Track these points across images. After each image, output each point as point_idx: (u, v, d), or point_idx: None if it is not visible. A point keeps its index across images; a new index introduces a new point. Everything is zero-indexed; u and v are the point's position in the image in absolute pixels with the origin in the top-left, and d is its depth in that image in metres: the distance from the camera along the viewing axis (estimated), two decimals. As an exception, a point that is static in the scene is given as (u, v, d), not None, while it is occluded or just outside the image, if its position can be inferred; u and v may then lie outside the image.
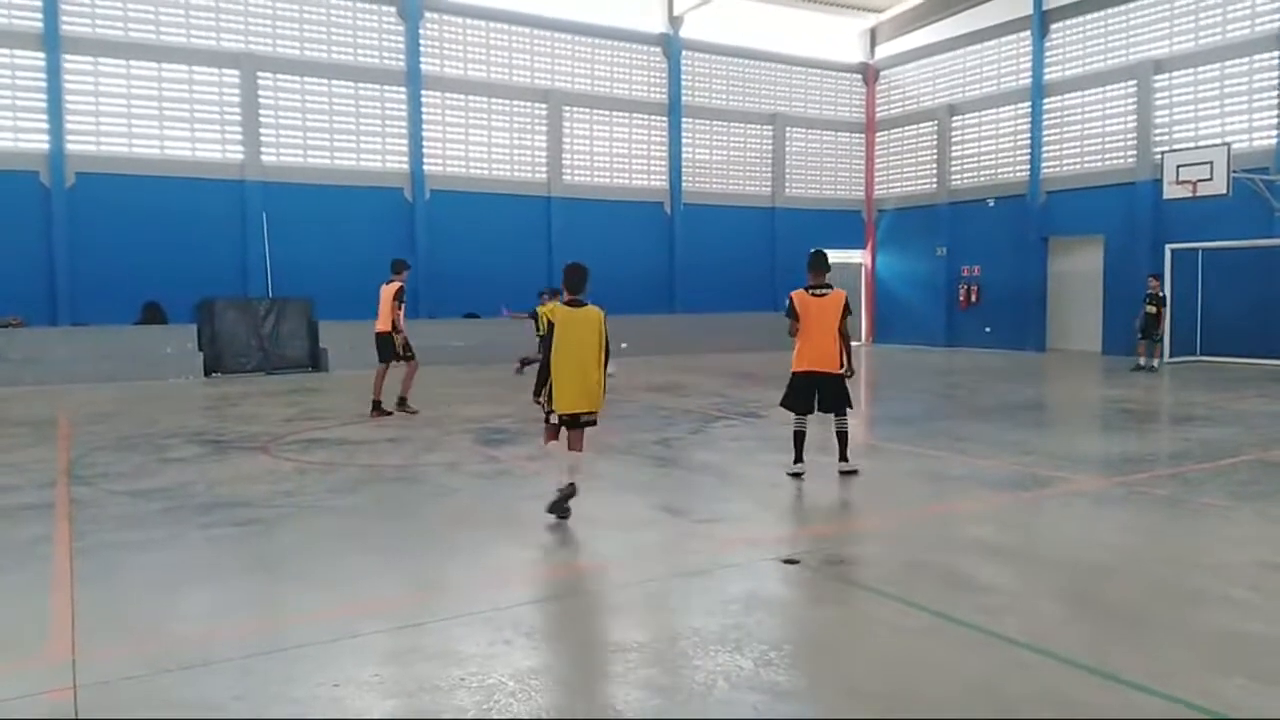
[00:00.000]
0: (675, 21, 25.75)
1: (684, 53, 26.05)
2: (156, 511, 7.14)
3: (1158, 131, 21.90)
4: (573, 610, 4.99)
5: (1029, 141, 24.58)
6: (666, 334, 23.42)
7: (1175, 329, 19.47)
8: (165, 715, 3.69)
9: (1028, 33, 24.56)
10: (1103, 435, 11.45)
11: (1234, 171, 18.18)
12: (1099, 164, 23.25)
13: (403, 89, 22.29)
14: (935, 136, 27.44)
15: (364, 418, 12.50)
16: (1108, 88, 22.96)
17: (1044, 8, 24.14)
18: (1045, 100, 24.29)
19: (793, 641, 4.40)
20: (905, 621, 4.68)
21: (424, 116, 22.51)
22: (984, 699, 3.79)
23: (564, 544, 6.38)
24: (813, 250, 8.50)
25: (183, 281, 19.55)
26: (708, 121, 26.81)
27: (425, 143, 22.56)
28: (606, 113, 25.21)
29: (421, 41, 22.45)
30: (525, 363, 16.84)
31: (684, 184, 26.17)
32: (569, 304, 6.75)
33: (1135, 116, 22.30)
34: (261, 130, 20.86)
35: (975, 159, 26.47)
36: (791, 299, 8.30)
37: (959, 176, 26.90)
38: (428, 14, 22.54)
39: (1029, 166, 24.58)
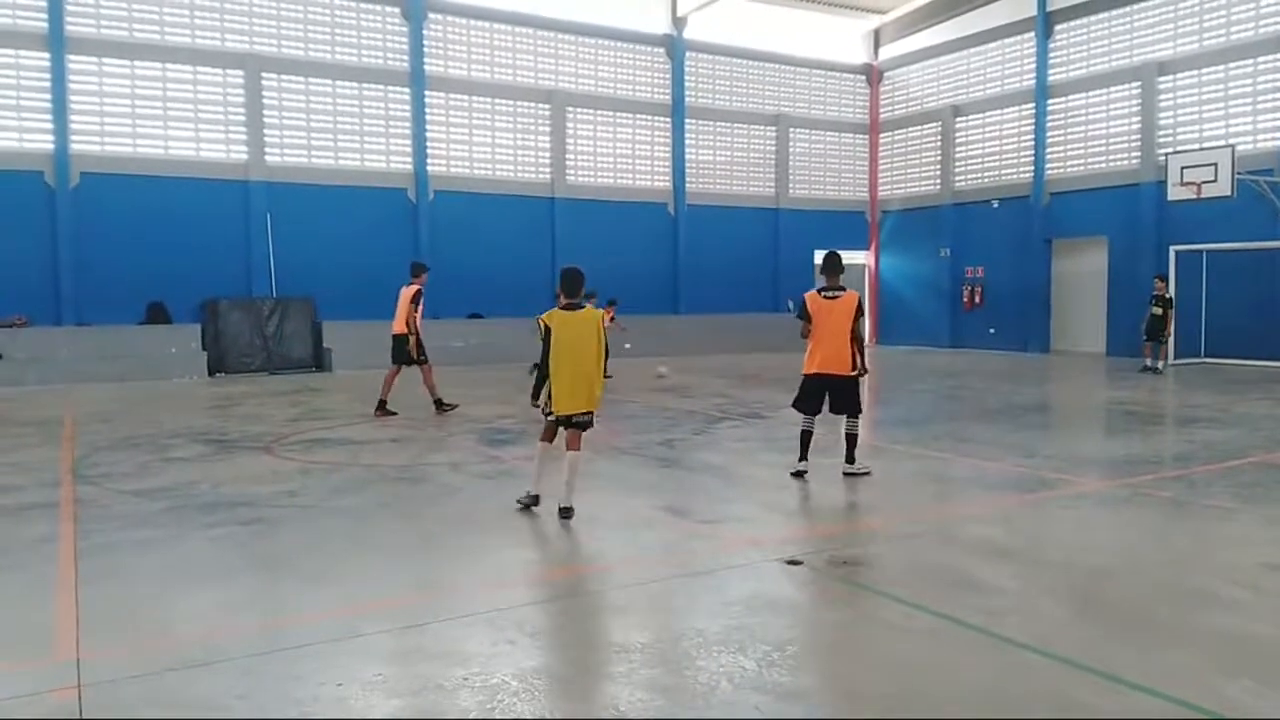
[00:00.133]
0: (679, 22, 25.75)
1: (688, 53, 26.05)
2: (160, 511, 7.15)
3: (1162, 133, 21.87)
4: (576, 610, 4.99)
5: (1033, 143, 24.56)
6: (670, 335, 23.41)
7: (1179, 331, 19.44)
8: (169, 714, 3.70)
9: (1032, 34, 24.54)
10: (1107, 437, 11.44)
11: (1238, 173, 18.16)
12: (1103, 165, 23.22)
13: (406, 89, 22.30)
14: (939, 138, 27.42)
15: (367, 418, 12.51)
16: (1112, 89, 22.93)
17: (1048, 9, 24.13)
18: (1049, 101, 24.26)
19: (796, 642, 4.40)
20: (909, 623, 4.68)
21: (428, 117, 22.52)
22: (988, 701, 3.79)
23: (567, 544, 6.38)
24: (826, 252, 8.50)
25: (187, 281, 19.60)
26: (711, 122, 26.80)
27: (429, 143, 22.57)
28: (610, 113, 25.21)
29: (425, 42, 22.47)
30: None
31: (687, 185, 26.16)
32: (565, 307, 6.83)
33: (1139, 118, 22.27)
34: (266, 131, 20.88)
35: (979, 160, 26.45)
36: (804, 301, 8.33)
37: (963, 178, 26.88)
38: (431, 15, 22.56)
39: (1033, 168, 24.56)
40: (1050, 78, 24.23)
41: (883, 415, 13.25)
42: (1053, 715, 3.65)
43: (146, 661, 4.19)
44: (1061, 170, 24.15)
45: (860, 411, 8.37)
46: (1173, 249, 20.11)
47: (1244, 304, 19.79)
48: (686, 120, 26.11)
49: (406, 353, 12.61)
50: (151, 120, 19.88)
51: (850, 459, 8.31)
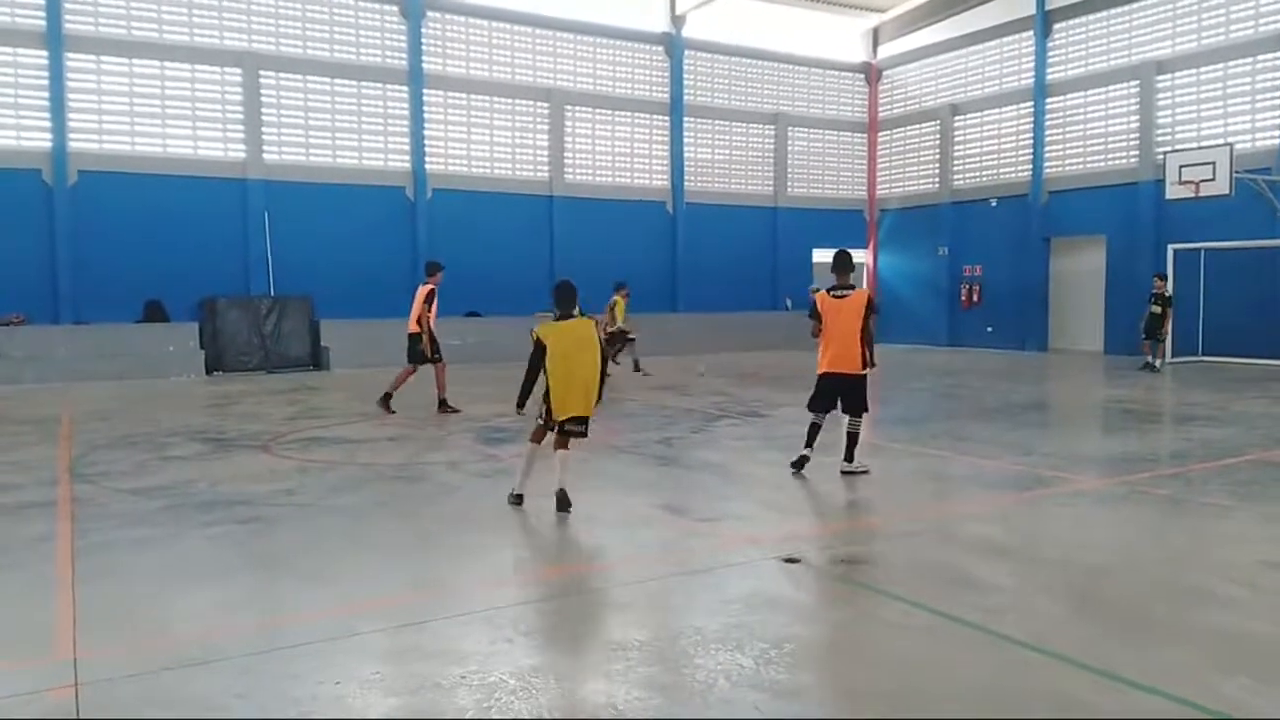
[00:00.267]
0: (677, 21, 25.73)
1: (686, 52, 26.03)
2: (158, 509, 7.15)
3: (1160, 132, 21.88)
4: (573, 609, 4.99)
5: (1031, 141, 24.56)
6: (668, 333, 23.39)
7: (1177, 329, 19.45)
8: (167, 713, 3.69)
9: (1030, 33, 24.54)
10: (1104, 435, 11.45)
11: (1236, 172, 18.16)
12: (1101, 164, 23.23)
13: (405, 88, 22.28)
14: (937, 136, 27.42)
15: (366, 416, 12.51)
16: (1110, 88, 22.93)
17: (1046, 8, 24.12)
18: (1048, 100, 24.26)
19: (794, 640, 4.40)
20: (907, 621, 4.68)
21: (426, 115, 22.50)
22: (986, 698, 3.79)
23: (564, 543, 6.38)
24: (837, 250, 8.52)
25: (184, 280, 19.57)
26: (710, 121, 26.79)
27: (427, 141, 22.55)
28: (609, 112, 25.19)
29: (424, 40, 22.45)
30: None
31: (686, 183, 26.14)
32: (560, 319, 6.95)
33: (1138, 117, 22.27)
34: (264, 129, 20.86)
35: (977, 159, 26.45)
36: (814, 300, 8.36)
37: (961, 176, 26.88)
38: (430, 13, 22.54)
39: (1031, 166, 24.56)
40: (1049, 76, 24.23)
41: (881, 414, 13.25)
42: (1050, 713, 3.65)
43: (144, 660, 4.19)
44: (1060, 169, 24.15)
45: (866, 410, 8.38)
46: (1171, 248, 20.11)
47: (1242, 302, 19.80)
48: (685, 119, 26.09)
49: (420, 352, 12.58)
50: (149, 118, 19.86)
51: (849, 457, 8.32)
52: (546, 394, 6.90)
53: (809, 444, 8.31)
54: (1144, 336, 18.69)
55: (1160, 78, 21.80)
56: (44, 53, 18.70)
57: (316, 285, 20.63)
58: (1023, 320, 24.70)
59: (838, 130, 29.13)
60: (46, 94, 18.76)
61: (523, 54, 23.93)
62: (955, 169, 26.97)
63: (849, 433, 8.33)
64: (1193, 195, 18.64)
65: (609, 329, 17.65)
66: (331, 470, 8.77)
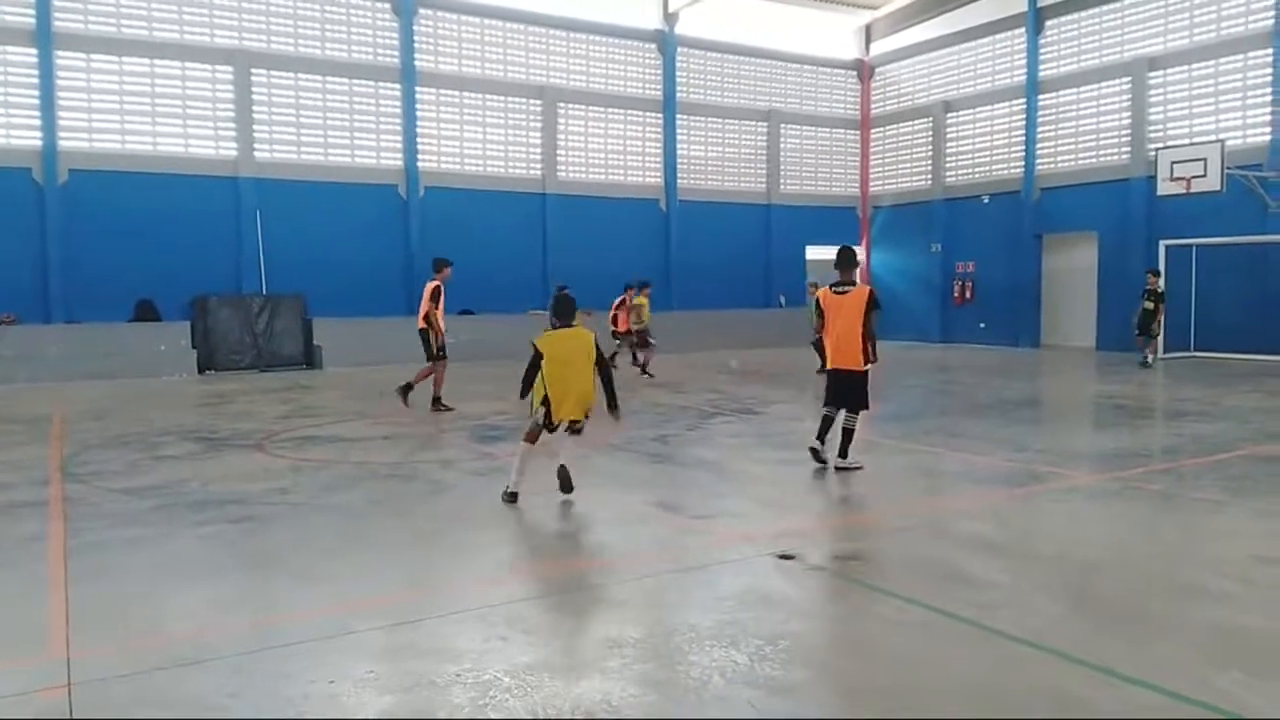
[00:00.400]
0: (670, 18, 25.72)
1: (679, 49, 26.01)
2: (150, 509, 7.12)
3: (1152, 128, 21.93)
4: (568, 606, 4.99)
5: (1024, 138, 24.60)
6: (662, 330, 23.30)
7: (1169, 325, 19.50)
8: (160, 713, 3.68)
9: (1022, 29, 24.57)
10: (1096, 431, 11.48)
11: (1228, 168, 18.21)
12: (1093, 161, 23.28)
13: (397, 85, 22.23)
14: (930, 133, 27.45)
15: (359, 415, 12.51)
16: (1102, 84, 22.98)
17: (1039, 4, 24.15)
18: (1040, 97, 24.30)
19: (789, 637, 4.40)
20: (902, 617, 4.68)
21: (418, 113, 22.45)
22: (980, 694, 3.79)
23: (559, 540, 6.37)
24: (840, 247, 8.57)
25: (176, 278, 19.49)
26: (703, 118, 26.79)
27: (420, 139, 22.50)
28: (601, 109, 25.17)
29: (416, 38, 22.39)
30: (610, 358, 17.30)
31: (679, 181, 26.14)
32: (559, 328, 7.22)
33: (1129, 113, 22.33)
34: (255, 127, 20.79)
35: (970, 156, 26.49)
36: (817, 297, 8.46)
37: (954, 173, 26.92)
38: (422, 10, 22.48)
39: (1024, 163, 24.60)
40: (1041, 73, 24.27)
41: (874, 410, 13.25)
42: (1045, 708, 3.65)
43: (136, 660, 4.17)
44: (1052, 165, 24.20)
45: (865, 408, 8.39)
46: (1163, 244, 20.17)
47: (1233, 298, 19.88)
48: (678, 116, 26.08)
49: (430, 348, 12.53)
50: (140, 116, 19.78)
51: (843, 454, 8.32)
52: (545, 399, 7.08)
53: (820, 436, 8.45)
54: (1137, 332, 18.74)
55: (1152, 74, 21.85)
56: (33, 50, 18.61)
57: (309, 284, 20.57)
58: (1015, 317, 24.75)
59: (830, 127, 29.14)
60: (36, 92, 18.67)
61: (515, 51, 23.89)
62: (948, 166, 27.00)
63: (844, 429, 8.35)
64: (1184, 191, 18.68)
65: (636, 327, 17.80)
66: (325, 469, 8.75)
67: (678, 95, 26.04)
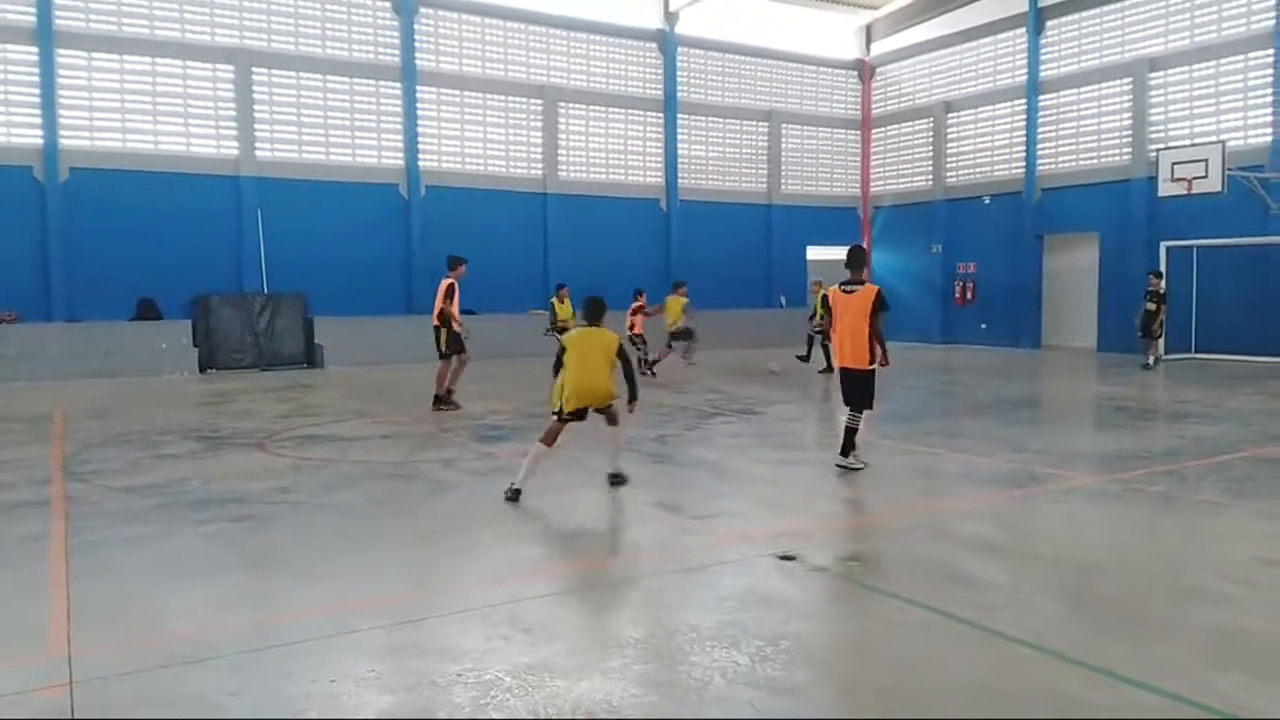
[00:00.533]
0: (671, 18, 25.72)
1: (679, 49, 26.02)
2: (152, 508, 7.13)
3: (1153, 129, 21.92)
4: (569, 606, 4.99)
5: (1024, 139, 24.59)
6: (662, 330, 23.36)
7: (1170, 326, 19.50)
8: (161, 711, 3.69)
9: (1023, 30, 24.56)
10: (1097, 432, 11.47)
11: (1229, 169, 18.20)
12: (1094, 161, 23.28)
13: (398, 84, 22.24)
14: (931, 133, 27.45)
15: (359, 414, 12.51)
16: (1103, 85, 22.98)
17: (1039, 5, 24.14)
18: (1041, 97, 24.30)
19: (789, 637, 4.40)
20: (902, 618, 4.69)
21: (419, 112, 22.45)
22: (981, 695, 3.80)
23: (560, 540, 6.37)
24: (851, 246, 8.66)
25: (177, 277, 19.51)
26: (703, 118, 26.80)
27: (420, 139, 22.50)
28: (602, 109, 25.17)
29: (417, 37, 22.40)
30: (652, 362, 18.06)
31: (680, 180, 26.14)
32: (587, 327, 7.62)
33: (1130, 114, 22.32)
34: (256, 126, 20.80)
35: (971, 156, 26.48)
36: (827, 295, 8.56)
37: (954, 174, 26.92)
38: (423, 9, 22.49)
39: (1024, 164, 24.60)
40: (1042, 73, 24.26)
41: (875, 411, 13.25)
42: (1046, 710, 3.66)
43: (138, 658, 4.18)
44: (1053, 166, 24.20)
45: (867, 407, 8.40)
46: (1164, 245, 20.16)
47: (1235, 300, 19.86)
48: (679, 116, 26.08)
49: (450, 342, 12.54)
50: (141, 115, 19.79)
51: (844, 452, 8.34)
52: (562, 389, 7.37)
53: (843, 449, 8.45)
54: (1140, 334, 18.73)
55: (1153, 75, 21.85)
56: (34, 49, 18.61)
57: (310, 283, 20.59)
58: (1016, 317, 24.75)
59: (831, 127, 29.14)
60: (37, 90, 18.67)
61: (516, 50, 23.89)
62: (949, 166, 27.00)
63: (847, 427, 8.37)
64: (1185, 192, 18.68)
65: (673, 327, 18.26)
66: (326, 468, 8.76)
67: (678, 95, 26.05)
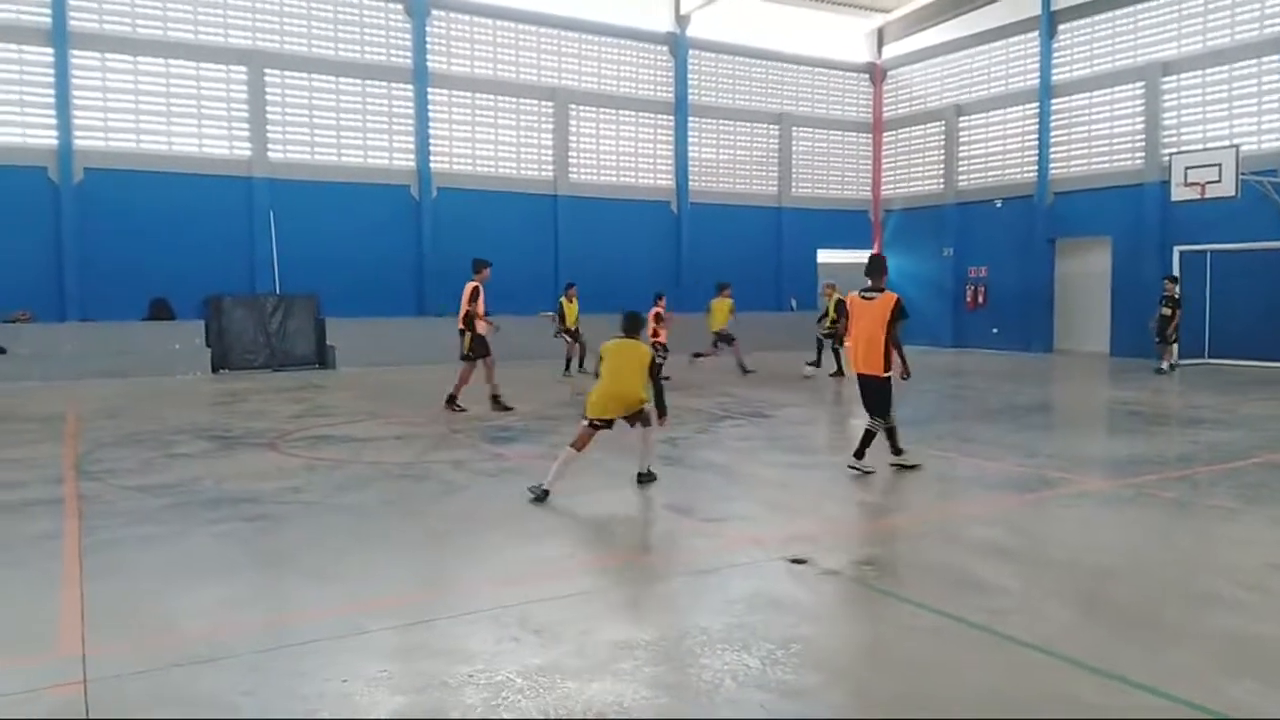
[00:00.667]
0: (682, 20, 25.73)
1: (690, 52, 26.03)
2: (164, 507, 7.16)
3: (1166, 133, 21.84)
4: (579, 608, 4.99)
5: (1036, 142, 24.52)
6: (672, 332, 23.34)
7: (1183, 331, 19.39)
8: (175, 711, 3.71)
9: (1035, 33, 24.50)
10: (1109, 437, 11.43)
11: (1242, 174, 18.11)
12: (1107, 165, 23.19)
13: (410, 86, 22.30)
14: (942, 137, 27.39)
15: (371, 415, 12.54)
16: (1116, 89, 22.90)
17: (1052, 9, 24.08)
18: (1053, 101, 24.23)
19: (800, 641, 4.40)
20: (913, 622, 4.68)
21: (431, 114, 22.52)
22: (992, 700, 3.79)
23: (571, 542, 6.38)
24: (871, 254, 8.79)
25: (190, 278, 19.60)
26: (714, 121, 26.79)
27: (432, 140, 22.56)
28: (613, 111, 25.19)
29: (428, 39, 22.46)
30: (697, 355, 18.81)
31: (690, 183, 26.14)
32: (623, 338, 7.88)
33: (1143, 118, 22.24)
34: (269, 127, 20.89)
35: (983, 160, 26.41)
36: (842, 300, 8.66)
37: (966, 177, 26.85)
38: (435, 11, 22.55)
39: (1036, 167, 24.52)
40: (1054, 77, 24.19)
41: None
42: (1057, 715, 3.65)
43: (151, 657, 4.20)
44: (1065, 170, 24.12)
45: (883, 414, 8.41)
46: (1177, 249, 20.09)
47: (1248, 305, 19.76)
48: (689, 118, 26.09)
49: (475, 345, 12.57)
50: (155, 116, 19.89)
51: (857, 454, 8.34)
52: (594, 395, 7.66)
53: (859, 451, 8.45)
54: (1157, 339, 18.64)
55: (1166, 79, 21.76)
56: (49, 50, 18.73)
57: (322, 283, 20.67)
58: (1028, 322, 24.67)
59: (842, 130, 29.10)
60: (52, 91, 18.78)
61: (527, 53, 23.94)
62: (960, 170, 26.93)
63: (867, 430, 8.41)
64: (1198, 197, 18.59)
65: (716, 330, 18.65)
66: (338, 468, 8.79)
67: (689, 97, 26.05)
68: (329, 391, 15.81)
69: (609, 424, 7.60)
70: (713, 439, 10.59)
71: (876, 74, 29.30)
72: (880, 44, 29.23)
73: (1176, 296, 18.54)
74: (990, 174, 26.17)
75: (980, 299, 26.18)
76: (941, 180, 27.44)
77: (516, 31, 23.71)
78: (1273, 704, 3.71)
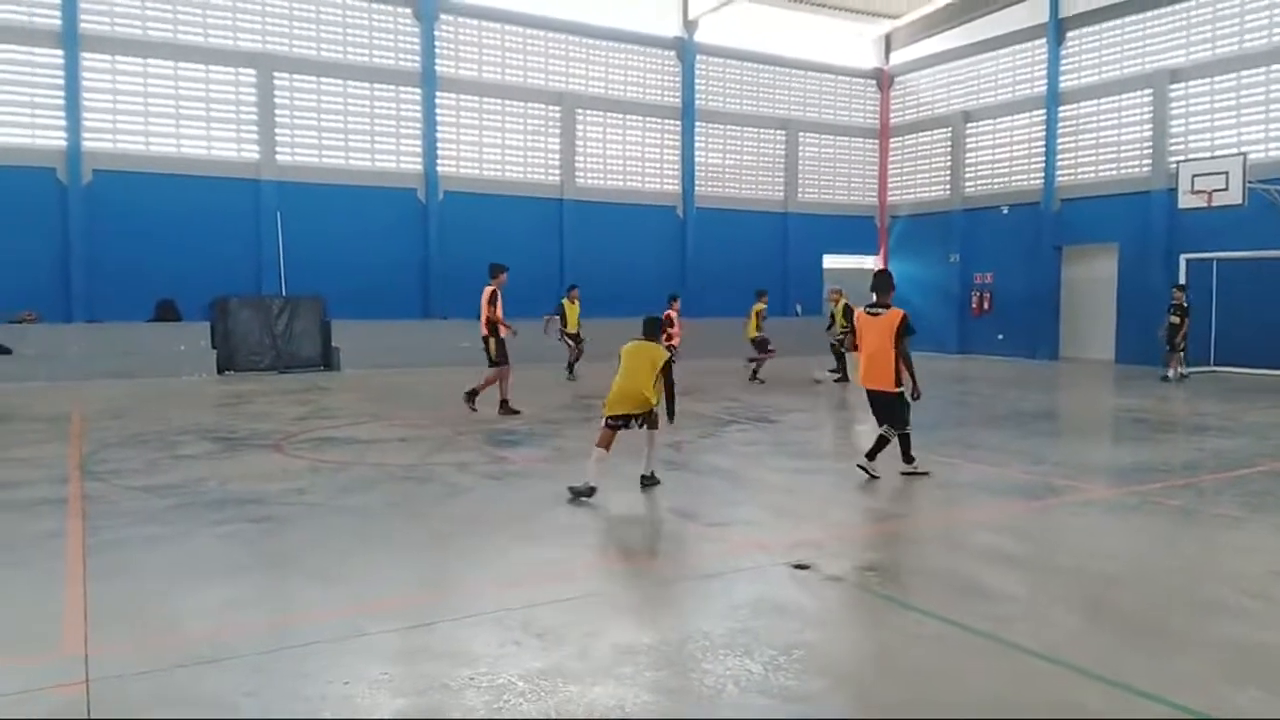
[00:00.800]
0: (690, 26, 25.76)
1: (698, 57, 26.05)
2: (169, 508, 7.17)
3: (1173, 141, 21.80)
4: (582, 611, 4.98)
5: (1044, 149, 24.49)
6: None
7: (1189, 339, 19.35)
8: (178, 711, 3.71)
9: (1043, 40, 24.48)
10: (1115, 445, 11.41)
11: (1250, 182, 18.08)
12: (1114, 173, 23.15)
13: (418, 90, 22.35)
14: (949, 143, 27.37)
15: (375, 417, 12.55)
16: (1123, 96, 22.86)
17: (1060, 15, 24.07)
18: (1060, 108, 24.20)
19: (803, 647, 4.39)
20: (917, 629, 4.67)
21: (438, 118, 22.56)
22: (996, 708, 3.78)
23: (574, 545, 6.37)
24: (877, 270, 8.80)
25: (197, 279, 19.65)
26: (721, 126, 26.80)
27: (439, 144, 22.60)
28: (620, 116, 25.22)
29: (437, 43, 22.51)
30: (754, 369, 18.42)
31: (697, 188, 26.15)
32: (640, 339, 8.06)
33: (1151, 125, 22.20)
34: (277, 130, 20.94)
35: (989, 166, 26.38)
36: (848, 306, 8.70)
37: (973, 183, 26.82)
38: (443, 16, 22.61)
39: (1043, 174, 24.49)
40: (1062, 84, 24.17)
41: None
42: (1061, 722, 3.64)
43: (155, 658, 4.21)
44: (1072, 177, 24.09)
45: (897, 427, 8.45)
46: (1183, 257, 20.05)
47: (1254, 313, 19.70)
48: (696, 123, 26.10)
49: (499, 350, 12.63)
50: (164, 118, 19.95)
51: (871, 455, 8.42)
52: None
53: (869, 453, 8.49)
54: (1167, 348, 18.59)
55: (1174, 86, 21.73)
56: (59, 52, 18.81)
57: (328, 286, 20.70)
58: (1033, 328, 24.61)
59: (849, 136, 29.09)
60: (62, 93, 18.86)
61: (535, 58, 23.97)
62: (967, 176, 26.90)
63: (880, 435, 8.51)
64: (1205, 205, 18.57)
65: (750, 336, 18.57)
66: (342, 470, 8.79)
67: (696, 103, 26.07)
68: (334, 393, 15.83)
69: (625, 423, 7.73)
70: (718, 443, 10.59)
71: (884, 80, 29.30)
72: (888, 50, 29.23)
73: (1185, 305, 18.49)
74: (997, 180, 26.14)
75: (986, 305, 26.14)
76: (948, 186, 27.41)
77: (524, 36, 23.75)
78: (1277, 712, 3.70)
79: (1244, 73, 20.45)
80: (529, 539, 6.37)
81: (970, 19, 26.35)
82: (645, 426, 7.88)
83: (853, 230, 28.75)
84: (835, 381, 17.43)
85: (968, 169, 26.88)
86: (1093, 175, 23.63)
